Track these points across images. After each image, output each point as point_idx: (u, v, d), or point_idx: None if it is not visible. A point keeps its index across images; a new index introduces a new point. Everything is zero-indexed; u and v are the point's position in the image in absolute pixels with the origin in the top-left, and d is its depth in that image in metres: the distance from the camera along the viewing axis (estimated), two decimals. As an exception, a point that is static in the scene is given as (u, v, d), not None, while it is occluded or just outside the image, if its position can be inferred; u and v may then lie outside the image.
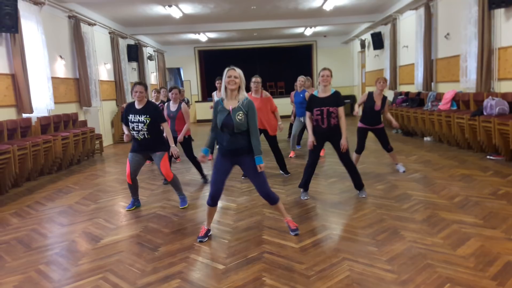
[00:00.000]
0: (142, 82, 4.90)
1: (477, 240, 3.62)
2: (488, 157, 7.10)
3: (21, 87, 7.37)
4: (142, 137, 4.79)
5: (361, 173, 6.25)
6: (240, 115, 3.67)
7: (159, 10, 11.23)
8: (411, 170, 6.48)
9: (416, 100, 10.31)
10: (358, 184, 5.19)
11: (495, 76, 7.64)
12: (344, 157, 4.97)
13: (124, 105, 9.04)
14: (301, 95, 7.90)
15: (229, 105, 3.72)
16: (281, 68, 21.05)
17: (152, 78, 16.77)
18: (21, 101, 7.41)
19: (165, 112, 6.24)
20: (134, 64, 14.53)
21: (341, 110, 4.85)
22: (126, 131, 4.99)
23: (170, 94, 6.25)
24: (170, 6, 10.72)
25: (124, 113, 4.89)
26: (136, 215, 4.94)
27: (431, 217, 4.29)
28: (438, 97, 9.37)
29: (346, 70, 18.56)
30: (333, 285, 2.97)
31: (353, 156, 6.21)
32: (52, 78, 8.58)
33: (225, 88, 3.73)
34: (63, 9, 9.37)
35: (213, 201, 3.89)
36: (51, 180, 7.28)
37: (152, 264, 3.51)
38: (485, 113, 7.07)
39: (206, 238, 4.00)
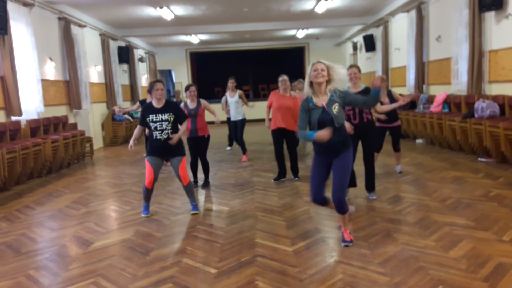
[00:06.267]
0: (160, 79, 4.80)
1: (469, 242, 3.63)
2: (479, 159, 7.14)
3: (10, 90, 7.27)
4: (166, 137, 4.70)
5: (353, 175, 6.29)
6: (336, 107, 3.51)
7: (150, 11, 11.17)
8: (403, 172, 6.49)
9: (408, 103, 10.36)
10: (371, 185, 5.17)
11: (486, 78, 7.70)
12: (368, 156, 4.99)
13: (115, 107, 9.01)
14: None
15: (320, 101, 3.52)
16: (273, 71, 21.03)
17: (143, 80, 16.67)
18: (10, 103, 7.32)
19: (185, 111, 6.16)
20: (125, 66, 14.43)
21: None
22: (137, 132, 4.94)
23: (187, 92, 6.12)
24: (161, 7, 10.66)
25: (142, 115, 4.80)
26: (127, 219, 4.89)
27: (423, 220, 4.30)
28: (430, 100, 9.43)
29: (338, 72, 18.56)
30: (326, 289, 2.96)
31: None
32: (42, 80, 8.48)
33: (311, 83, 3.54)
34: (53, 10, 9.28)
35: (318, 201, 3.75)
36: (41, 183, 7.18)
37: (143, 268, 3.47)
38: (476, 116, 7.12)
39: None
